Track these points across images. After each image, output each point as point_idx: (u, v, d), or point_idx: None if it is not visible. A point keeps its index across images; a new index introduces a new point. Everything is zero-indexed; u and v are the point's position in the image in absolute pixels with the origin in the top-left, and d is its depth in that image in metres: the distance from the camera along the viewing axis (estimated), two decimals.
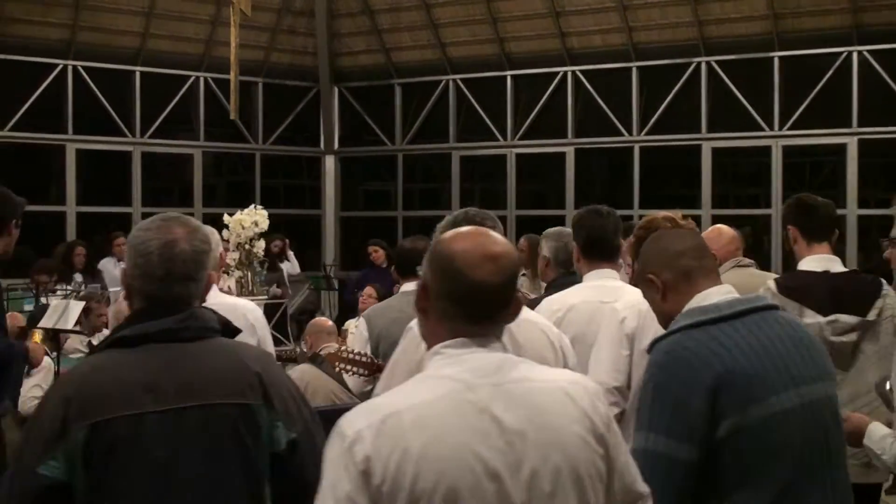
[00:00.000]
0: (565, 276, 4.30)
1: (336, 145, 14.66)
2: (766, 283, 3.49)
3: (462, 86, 13.58)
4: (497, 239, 1.81)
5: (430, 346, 1.81)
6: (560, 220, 13.07)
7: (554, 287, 4.20)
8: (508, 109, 13.25)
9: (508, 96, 13.22)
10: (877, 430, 2.80)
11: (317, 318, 4.92)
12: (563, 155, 12.95)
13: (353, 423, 1.66)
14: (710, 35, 11.82)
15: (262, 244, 5.82)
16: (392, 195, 14.39)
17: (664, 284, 2.29)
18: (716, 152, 12.04)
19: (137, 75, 12.97)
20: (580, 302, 3.56)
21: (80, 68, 12.50)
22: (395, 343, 2.87)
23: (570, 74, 12.75)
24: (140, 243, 2.13)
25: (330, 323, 4.73)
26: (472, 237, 1.80)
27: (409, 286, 3.83)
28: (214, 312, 2.23)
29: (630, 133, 12.44)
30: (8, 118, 12.04)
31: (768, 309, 2.27)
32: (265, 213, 5.77)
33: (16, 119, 12.09)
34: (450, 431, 1.64)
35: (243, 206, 13.96)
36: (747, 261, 4.51)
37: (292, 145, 14.60)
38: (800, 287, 3.40)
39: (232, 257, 5.38)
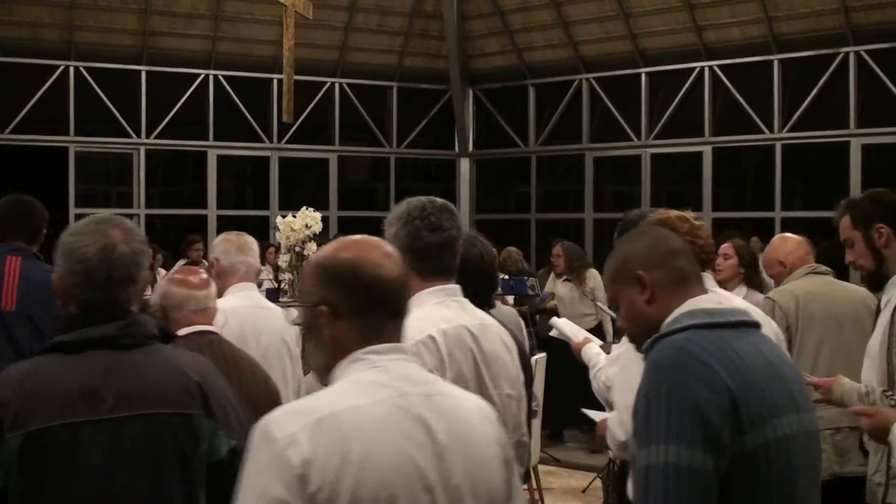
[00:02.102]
0: None
1: (471, 148, 14.58)
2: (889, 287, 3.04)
3: (595, 85, 13.19)
4: (378, 241, 1.79)
5: (329, 370, 1.70)
6: None
7: None
8: (643, 108, 12.75)
9: (643, 94, 12.73)
10: None
11: None
12: (699, 154, 12.33)
13: (283, 426, 1.57)
14: (858, 22, 10.91)
15: (313, 247, 5.79)
16: (526, 198, 14.17)
17: (654, 284, 2.00)
18: (866, 150, 11.10)
19: (274, 83, 13.37)
20: None
21: (220, 77, 13.02)
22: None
23: (707, 70, 12.12)
24: (76, 248, 2.09)
25: None
26: (356, 243, 1.75)
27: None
28: (153, 317, 2.21)
29: (772, 130, 11.68)
30: (154, 126, 12.69)
31: (755, 326, 2.02)
32: (318, 215, 5.75)
33: (161, 127, 12.73)
34: (389, 438, 1.59)
35: (377, 209, 14.34)
36: (823, 268, 4.22)
37: (428, 149, 14.66)
38: None
39: (283, 260, 5.40)
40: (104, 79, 12.41)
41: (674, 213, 2.97)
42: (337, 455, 1.53)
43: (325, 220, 13.47)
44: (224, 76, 13.04)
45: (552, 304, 8.85)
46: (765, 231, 11.23)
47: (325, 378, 1.72)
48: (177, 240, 11.13)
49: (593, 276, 8.85)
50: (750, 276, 5.20)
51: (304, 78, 13.43)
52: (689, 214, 2.98)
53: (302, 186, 14.07)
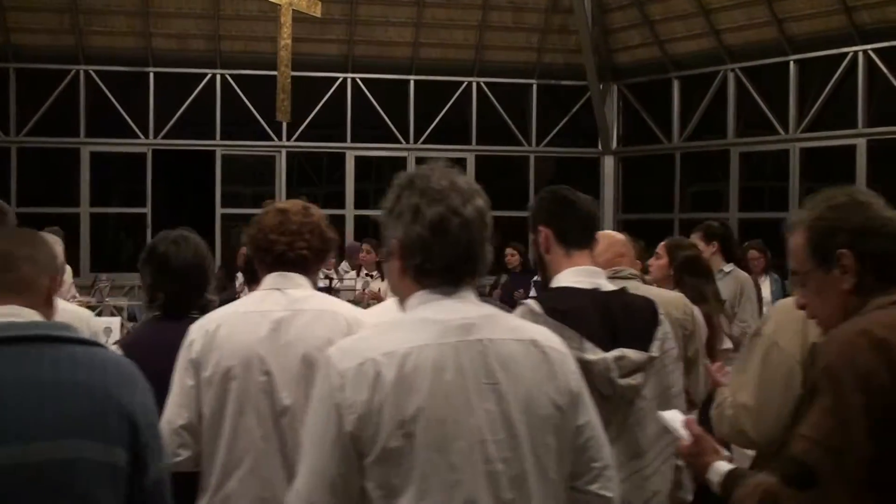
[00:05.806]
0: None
1: (614, 145, 14.08)
2: (526, 305, 2.57)
3: (741, 75, 12.37)
4: None
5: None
6: None
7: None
8: (791, 99, 11.83)
9: (791, 84, 11.80)
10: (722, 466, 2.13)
11: None
12: (853, 148, 11.28)
13: None
14: None
15: None
16: (670, 196, 13.50)
17: None
18: None
19: (411, 84, 13.49)
20: None
21: (357, 80, 13.30)
22: None
23: (860, 55, 11.08)
24: None
25: None
26: None
27: None
28: None
29: None
30: (294, 129, 13.12)
31: (46, 341, 1.83)
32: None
33: (301, 129, 13.15)
34: None
35: (518, 208, 14.11)
36: (629, 271, 3.61)
37: (571, 146, 14.28)
38: (572, 310, 2.49)
39: None
40: (247, 85, 12.98)
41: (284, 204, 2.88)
42: None
43: None
44: (361, 79, 13.31)
45: None
46: None
47: None
48: None
49: None
50: (682, 279, 4.57)
51: (440, 78, 13.53)
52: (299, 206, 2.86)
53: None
